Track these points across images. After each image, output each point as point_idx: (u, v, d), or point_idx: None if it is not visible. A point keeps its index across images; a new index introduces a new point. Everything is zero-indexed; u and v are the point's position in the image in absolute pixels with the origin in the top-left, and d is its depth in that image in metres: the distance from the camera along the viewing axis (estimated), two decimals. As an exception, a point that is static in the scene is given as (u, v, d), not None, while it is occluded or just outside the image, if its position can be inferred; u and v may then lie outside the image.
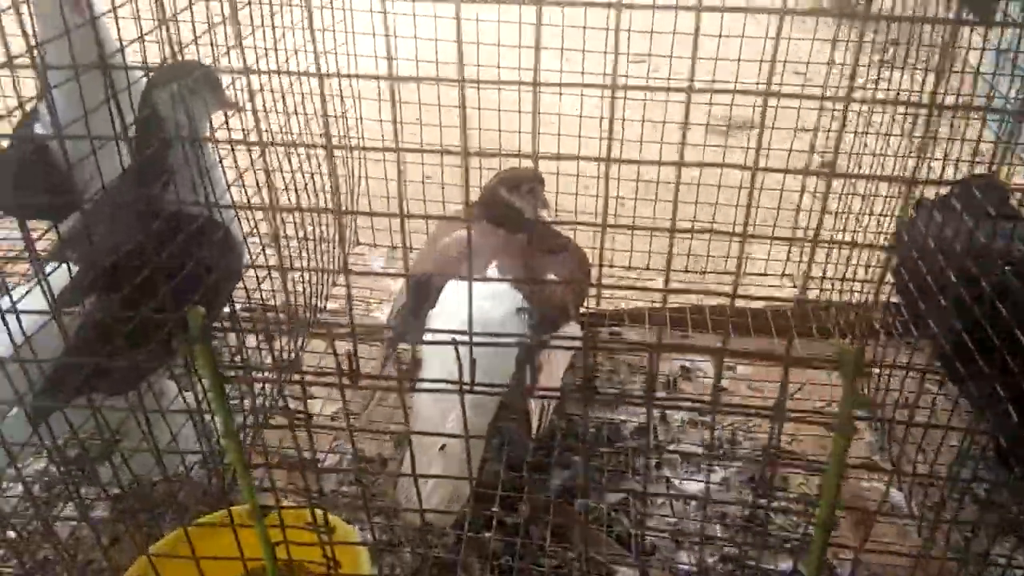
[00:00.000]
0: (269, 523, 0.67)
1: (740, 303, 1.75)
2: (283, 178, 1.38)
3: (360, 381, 0.60)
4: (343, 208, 1.72)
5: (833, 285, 1.72)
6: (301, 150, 1.44)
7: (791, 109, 1.64)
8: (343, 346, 0.66)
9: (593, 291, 1.58)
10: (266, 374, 1.23)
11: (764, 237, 0.90)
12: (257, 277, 1.28)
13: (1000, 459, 1.24)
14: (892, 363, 1.36)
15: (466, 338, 0.69)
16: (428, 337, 1.22)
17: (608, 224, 0.54)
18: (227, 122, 1.22)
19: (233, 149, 1.20)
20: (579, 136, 1.72)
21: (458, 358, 0.67)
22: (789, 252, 1.83)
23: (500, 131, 1.75)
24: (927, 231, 1.31)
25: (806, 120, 1.70)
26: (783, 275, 1.82)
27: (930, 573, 0.96)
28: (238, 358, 1.18)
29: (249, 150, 1.15)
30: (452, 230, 1.49)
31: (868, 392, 1.49)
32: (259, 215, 1.29)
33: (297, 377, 0.62)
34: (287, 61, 1.36)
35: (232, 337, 1.28)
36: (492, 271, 1.35)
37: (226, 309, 1.19)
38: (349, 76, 0.88)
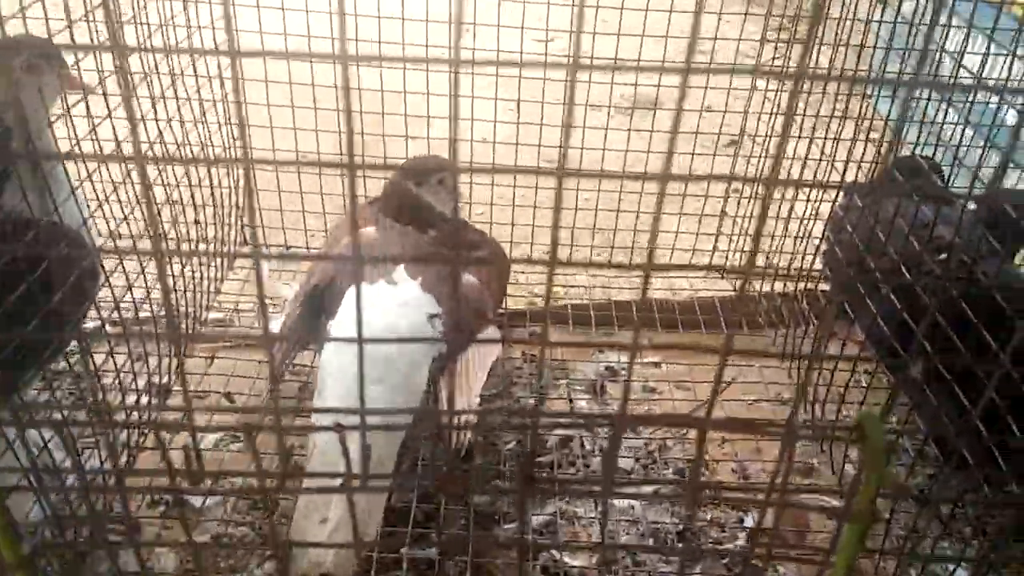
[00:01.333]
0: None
1: (662, 295, 1.65)
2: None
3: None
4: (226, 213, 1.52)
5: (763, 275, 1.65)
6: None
7: (696, 88, 1.54)
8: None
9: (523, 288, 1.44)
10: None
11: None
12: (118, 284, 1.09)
13: (942, 452, 1.17)
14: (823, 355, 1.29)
15: (351, 419, 0.54)
16: (324, 361, 1.09)
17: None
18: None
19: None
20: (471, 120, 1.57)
21: (344, 447, 0.52)
22: (716, 242, 1.74)
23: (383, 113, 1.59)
24: (855, 219, 1.24)
25: (713, 101, 1.61)
26: (710, 267, 1.73)
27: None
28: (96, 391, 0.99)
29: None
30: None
31: (801, 385, 1.40)
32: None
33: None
34: (149, 38, 1.16)
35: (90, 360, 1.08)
36: (400, 274, 1.20)
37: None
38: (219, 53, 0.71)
